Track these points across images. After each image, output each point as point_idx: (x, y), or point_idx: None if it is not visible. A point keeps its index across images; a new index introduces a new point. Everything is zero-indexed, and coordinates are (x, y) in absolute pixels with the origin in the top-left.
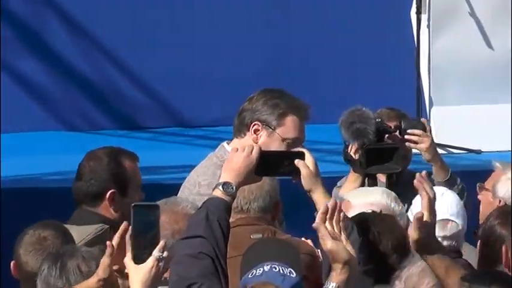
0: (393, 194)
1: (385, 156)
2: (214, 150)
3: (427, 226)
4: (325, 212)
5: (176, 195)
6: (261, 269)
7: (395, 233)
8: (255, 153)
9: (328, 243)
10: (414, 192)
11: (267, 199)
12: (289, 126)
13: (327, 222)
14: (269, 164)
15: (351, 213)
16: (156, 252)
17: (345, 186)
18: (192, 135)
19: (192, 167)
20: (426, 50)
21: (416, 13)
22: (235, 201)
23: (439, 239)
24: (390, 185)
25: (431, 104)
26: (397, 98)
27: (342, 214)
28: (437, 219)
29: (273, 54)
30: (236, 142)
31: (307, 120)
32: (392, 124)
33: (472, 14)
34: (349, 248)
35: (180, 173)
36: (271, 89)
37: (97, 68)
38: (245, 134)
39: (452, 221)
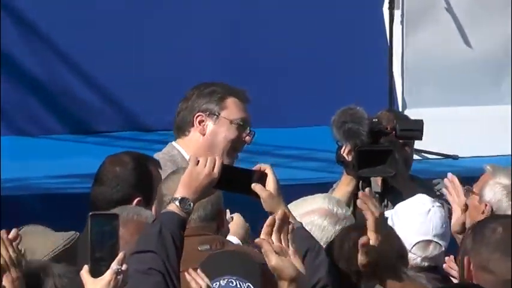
0: (336, 198)
1: (378, 158)
2: None
3: (374, 250)
4: (271, 225)
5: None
6: (217, 283)
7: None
8: (217, 169)
9: (272, 260)
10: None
11: (208, 208)
12: (232, 108)
13: (274, 236)
14: (229, 179)
15: None
16: (114, 265)
17: (337, 189)
18: (148, 140)
19: None
20: (399, 48)
21: (389, 8)
22: None
23: (419, 259)
24: (385, 189)
25: (404, 106)
26: (369, 99)
27: (290, 226)
28: (419, 239)
29: (234, 55)
30: (183, 140)
31: (247, 102)
32: (389, 126)
33: (449, 9)
34: (297, 263)
35: None
36: (201, 84)
37: (48, 69)
38: (189, 131)
39: (436, 242)
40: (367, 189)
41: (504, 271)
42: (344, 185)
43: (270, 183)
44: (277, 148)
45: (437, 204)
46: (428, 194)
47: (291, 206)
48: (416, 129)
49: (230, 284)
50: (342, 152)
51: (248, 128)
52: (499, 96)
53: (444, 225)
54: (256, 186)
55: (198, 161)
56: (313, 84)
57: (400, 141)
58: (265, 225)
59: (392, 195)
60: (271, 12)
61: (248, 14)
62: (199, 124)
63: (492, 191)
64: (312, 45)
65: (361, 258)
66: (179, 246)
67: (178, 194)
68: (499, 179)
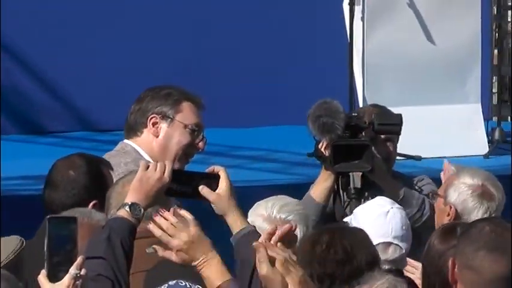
0: (285, 201)
1: (354, 153)
2: None
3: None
4: (272, 234)
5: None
6: (166, 285)
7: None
8: (167, 175)
9: (264, 269)
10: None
11: (156, 207)
12: (187, 112)
13: (273, 246)
14: (181, 185)
15: None
16: (73, 270)
17: (316, 185)
18: (100, 140)
19: None
20: (360, 46)
21: (349, 4)
22: (115, 212)
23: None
24: (365, 184)
25: (365, 104)
26: (329, 97)
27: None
28: (378, 241)
29: (190, 56)
30: (135, 140)
31: (202, 109)
32: (368, 120)
33: (411, 5)
34: (291, 279)
35: None
36: (155, 86)
37: None
38: (142, 132)
39: (396, 244)
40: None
41: (489, 269)
42: (322, 181)
43: (222, 185)
44: (234, 149)
45: (397, 206)
46: (410, 191)
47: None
48: (394, 123)
49: (180, 283)
50: (319, 147)
51: (201, 134)
52: (463, 95)
53: (404, 227)
54: (203, 190)
55: (148, 166)
56: (273, 83)
57: (382, 136)
58: (266, 232)
59: (372, 190)
60: (227, 9)
61: (205, 14)
62: (153, 126)
63: (456, 192)
64: (271, 43)
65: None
66: (129, 252)
67: (129, 200)
68: (463, 179)
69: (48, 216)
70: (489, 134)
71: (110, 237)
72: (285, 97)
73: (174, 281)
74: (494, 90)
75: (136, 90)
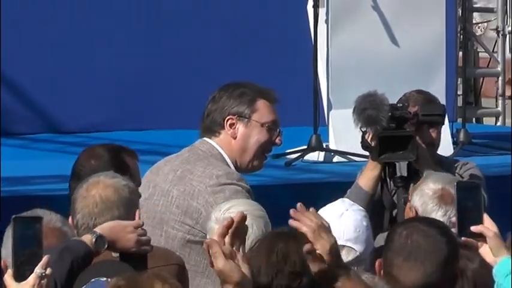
0: (229, 204)
1: (399, 144)
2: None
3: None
4: (228, 227)
5: (49, 207)
6: (87, 284)
7: None
8: (144, 247)
9: (219, 263)
10: None
11: (115, 212)
12: (262, 110)
13: (227, 238)
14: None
15: None
16: (38, 269)
17: (363, 174)
18: (65, 142)
19: (66, 177)
20: (324, 48)
21: (314, 7)
22: (80, 217)
23: None
24: (410, 173)
25: (329, 107)
26: (293, 99)
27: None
28: None
29: (153, 56)
30: (215, 140)
31: (276, 103)
32: (413, 110)
33: (375, 7)
34: (244, 268)
35: (53, 183)
36: (230, 83)
37: None
38: (220, 133)
39: (349, 247)
40: (298, 205)
41: (406, 278)
42: (369, 170)
43: None
44: None
45: (355, 208)
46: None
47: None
48: (438, 114)
49: (100, 279)
50: (366, 138)
51: (278, 130)
52: None
53: (358, 229)
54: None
55: (140, 226)
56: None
57: (426, 125)
58: (221, 227)
59: (418, 178)
60: (195, 9)
61: (168, 13)
62: (230, 127)
63: (418, 195)
64: (236, 46)
65: (312, 266)
66: (77, 273)
67: (100, 230)
68: (427, 184)
69: (13, 216)
70: (454, 135)
71: (63, 254)
72: None
73: (95, 279)
74: (459, 92)
75: (101, 92)
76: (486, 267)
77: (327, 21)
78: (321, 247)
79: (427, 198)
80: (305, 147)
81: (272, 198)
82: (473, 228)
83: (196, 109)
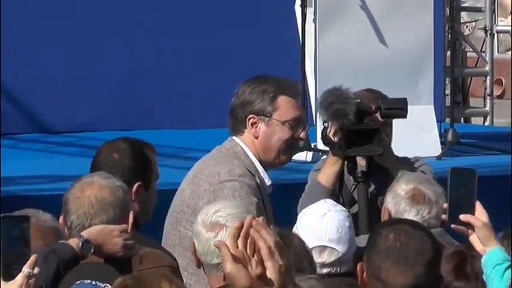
0: (216, 208)
1: (365, 137)
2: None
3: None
4: (240, 228)
5: (37, 207)
6: (72, 286)
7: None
8: (128, 251)
9: (228, 266)
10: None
11: (111, 212)
12: (284, 108)
13: (240, 241)
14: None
15: None
16: (26, 268)
17: (323, 170)
18: (54, 142)
19: (54, 177)
20: (312, 48)
21: (301, 6)
22: (75, 218)
23: (318, 265)
24: (371, 168)
25: (317, 107)
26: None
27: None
28: (314, 245)
29: (141, 55)
30: (240, 138)
31: (299, 96)
32: (372, 105)
33: (363, 6)
34: (257, 273)
35: (42, 183)
36: (253, 78)
37: None
38: (243, 132)
39: (331, 247)
40: (260, 218)
41: (395, 281)
42: (330, 166)
43: None
44: (185, 150)
45: (337, 209)
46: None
47: None
48: (401, 107)
49: (85, 281)
50: (327, 133)
51: (302, 125)
52: (416, 97)
53: (341, 230)
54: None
55: (126, 230)
56: (224, 85)
57: (389, 118)
58: (233, 228)
59: (377, 173)
60: (184, 9)
61: (151, 13)
62: (252, 126)
63: (391, 196)
64: (225, 45)
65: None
66: (62, 276)
67: (86, 235)
68: (399, 184)
69: (1, 215)
70: (442, 135)
71: (49, 256)
72: None
73: (79, 281)
74: (447, 91)
75: (89, 92)
76: None
77: (314, 21)
78: (272, 267)
79: (399, 199)
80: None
81: None
82: (462, 217)
83: (182, 109)
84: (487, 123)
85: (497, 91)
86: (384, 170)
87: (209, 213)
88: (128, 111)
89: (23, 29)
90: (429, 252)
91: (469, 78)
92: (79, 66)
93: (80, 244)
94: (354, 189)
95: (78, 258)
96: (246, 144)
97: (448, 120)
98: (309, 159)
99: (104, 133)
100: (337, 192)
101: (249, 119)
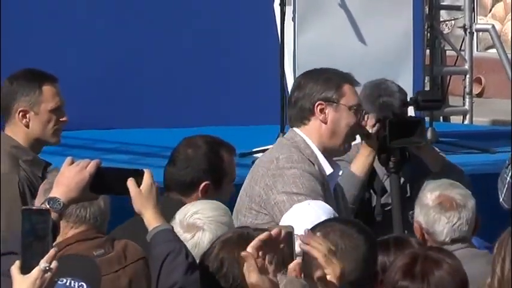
0: (194, 208)
1: (407, 129)
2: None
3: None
4: (266, 239)
5: None
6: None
7: None
8: (89, 168)
9: (253, 277)
10: (426, 172)
11: (97, 205)
12: (349, 94)
13: (262, 251)
14: (106, 181)
15: None
16: (42, 263)
17: (356, 161)
18: None
19: None
20: (291, 46)
21: (280, 5)
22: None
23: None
24: (403, 161)
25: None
26: (260, 98)
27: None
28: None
29: (117, 56)
30: (303, 129)
31: (357, 86)
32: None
33: (342, 5)
34: (274, 283)
35: None
36: (311, 70)
37: None
38: (309, 120)
39: None
40: (305, 230)
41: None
42: (364, 156)
43: (144, 182)
44: (164, 149)
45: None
46: (451, 164)
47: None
48: (436, 99)
49: (59, 281)
50: (365, 124)
51: (363, 112)
52: None
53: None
54: (129, 183)
55: (73, 162)
56: (205, 84)
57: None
58: (258, 239)
59: (408, 164)
60: (161, 8)
61: (134, 14)
62: (321, 112)
63: (419, 208)
64: (203, 45)
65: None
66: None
67: (51, 194)
68: (425, 194)
69: (22, 208)
70: None
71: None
72: (216, 98)
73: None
74: (427, 90)
75: (64, 92)
76: (455, 275)
77: (293, 19)
78: (332, 272)
79: (427, 209)
80: (272, 145)
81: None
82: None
83: (160, 108)
84: (466, 122)
85: (476, 89)
86: (416, 162)
87: (187, 214)
88: (103, 110)
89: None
90: (360, 249)
91: (448, 77)
92: (54, 67)
93: (47, 204)
94: (386, 180)
95: (53, 221)
96: (307, 134)
97: (427, 118)
98: None
99: (79, 132)
100: (366, 183)
101: (317, 105)
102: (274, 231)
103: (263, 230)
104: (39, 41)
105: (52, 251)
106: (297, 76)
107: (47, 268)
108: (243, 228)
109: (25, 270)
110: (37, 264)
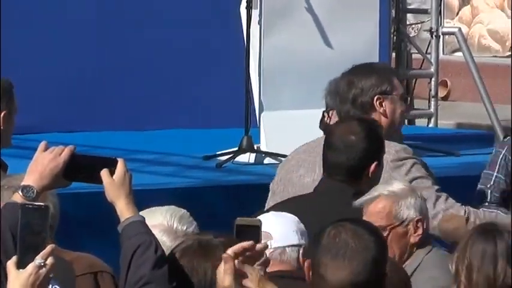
0: (181, 212)
1: None
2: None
3: None
4: (247, 249)
5: None
6: None
7: None
8: (64, 155)
9: (227, 280)
10: None
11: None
12: (397, 86)
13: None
14: (80, 168)
15: None
16: (38, 259)
17: None
18: None
19: None
20: (257, 49)
21: (247, 8)
22: None
23: None
24: None
25: (261, 108)
26: (225, 100)
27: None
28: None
29: (83, 59)
30: None
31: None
32: None
33: (309, 9)
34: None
35: None
36: (355, 67)
37: None
38: (371, 114)
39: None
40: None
41: (332, 276)
42: None
43: (117, 172)
44: (129, 152)
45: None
46: None
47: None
48: None
49: None
50: (328, 120)
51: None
52: None
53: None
54: (103, 172)
55: (47, 148)
56: (167, 87)
57: None
58: (240, 245)
59: None
60: (122, 12)
61: (101, 17)
62: (380, 106)
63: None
64: (167, 47)
65: None
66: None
67: (24, 182)
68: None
69: (20, 203)
70: None
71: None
72: (180, 100)
73: None
74: None
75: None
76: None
77: (260, 23)
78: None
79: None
80: (236, 148)
81: (202, 200)
82: None
83: (123, 111)
84: (431, 125)
85: (442, 93)
86: None
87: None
88: (72, 113)
89: None
90: (371, 250)
91: (414, 80)
92: (23, 68)
93: (20, 192)
94: None
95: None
96: None
97: None
98: (252, 160)
99: (48, 135)
100: None
101: (377, 99)
102: (258, 246)
103: (224, 237)
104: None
105: (49, 248)
106: (262, 78)
107: (42, 264)
108: (203, 236)
109: (21, 265)
110: (32, 260)
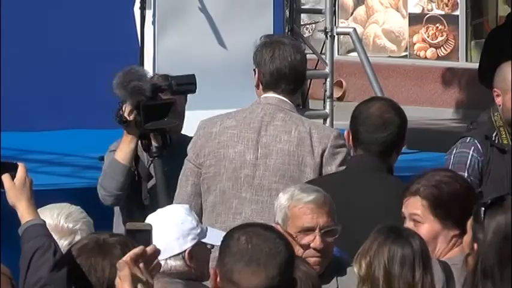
0: (70, 209)
1: (161, 112)
2: None
3: None
4: (141, 253)
5: None
6: None
7: None
8: None
9: (125, 287)
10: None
11: None
12: None
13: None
14: None
15: None
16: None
17: (120, 149)
18: None
19: None
20: (151, 50)
21: (140, 8)
22: None
23: None
24: (164, 145)
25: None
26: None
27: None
28: None
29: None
30: None
31: None
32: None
33: (203, 9)
34: None
35: None
36: None
37: None
38: None
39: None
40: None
41: (247, 283)
42: (126, 144)
43: (17, 175)
44: (24, 153)
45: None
46: None
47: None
48: (190, 82)
49: None
50: (122, 113)
51: None
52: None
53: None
54: (5, 176)
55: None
56: (63, 87)
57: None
58: (133, 251)
59: (170, 148)
60: (19, 12)
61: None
62: None
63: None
64: (60, 46)
65: None
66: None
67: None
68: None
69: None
70: None
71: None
72: (75, 101)
73: None
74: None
75: None
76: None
77: (153, 23)
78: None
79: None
80: None
81: (99, 200)
82: None
83: (21, 111)
84: (326, 125)
85: (337, 93)
86: (175, 147)
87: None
88: None
89: None
90: (282, 254)
91: (309, 80)
92: None
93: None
94: (150, 165)
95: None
96: None
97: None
98: None
99: None
100: (134, 169)
101: None
102: (149, 248)
103: (120, 236)
104: None
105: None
106: None
107: None
108: (99, 234)
109: None
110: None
